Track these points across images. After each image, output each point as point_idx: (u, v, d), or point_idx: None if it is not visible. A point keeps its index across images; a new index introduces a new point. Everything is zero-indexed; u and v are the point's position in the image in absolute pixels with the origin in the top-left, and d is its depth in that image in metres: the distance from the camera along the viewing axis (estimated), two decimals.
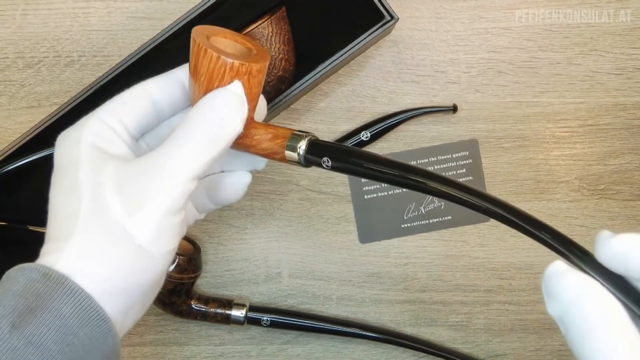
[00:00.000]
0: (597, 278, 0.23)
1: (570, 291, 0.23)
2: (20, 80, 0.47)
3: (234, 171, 0.35)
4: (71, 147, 0.30)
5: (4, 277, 0.28)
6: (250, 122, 0.32)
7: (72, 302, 0.26)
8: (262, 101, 0.34)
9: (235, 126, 0.30)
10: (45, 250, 0.29)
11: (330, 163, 0.31)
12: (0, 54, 0.47)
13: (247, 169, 0.35)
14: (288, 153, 0.31)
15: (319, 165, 0.31)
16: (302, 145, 0.31)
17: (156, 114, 0.32)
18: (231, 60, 0.29)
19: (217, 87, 0.30)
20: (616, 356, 0.21)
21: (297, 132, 0.32)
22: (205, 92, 0.30)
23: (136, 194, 0.28)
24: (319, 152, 0.31)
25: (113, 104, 0.32)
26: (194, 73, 0.30)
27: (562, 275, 0.23)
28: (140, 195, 0.28)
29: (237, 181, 0.35)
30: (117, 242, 0.28)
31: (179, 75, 0.33)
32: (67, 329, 0.26)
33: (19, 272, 0.27)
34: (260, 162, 0.35)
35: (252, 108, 0.32)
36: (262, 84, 0.32)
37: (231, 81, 0.30)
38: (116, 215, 0.28)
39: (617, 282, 0.23)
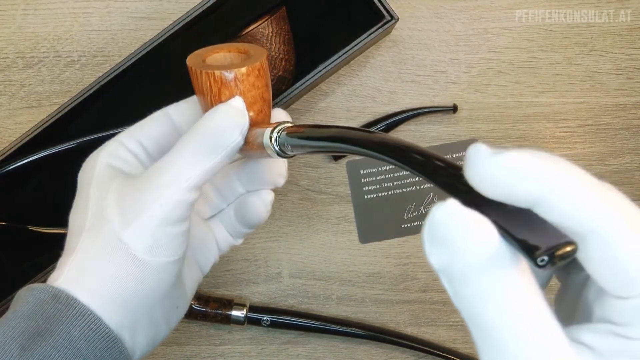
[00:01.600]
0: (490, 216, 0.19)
1: (461, 241, 0.19)
2: (20, 80, 0.47)
3: (257, 191, 0.35)
4: (89, 168, 0.31)
5: (15, 297, 0.29)
6: (255, 123, 0.31)
7: (81, 325, 0.27)
8: (280, 111, 0.34)
9: (234, 136, 0.30)
10: (57, 265, 0.29)
11: (290, 148, 0.29)
12: (0, 54, 0.47)
13: (268, 187, 0.35)
14: (267, 145, 0.30)
15: (286, 154, 0.30)
16: (274, 135, 0.30)
17: (177, 135, 0.32)
18: (227, 73, 0.30)
19: (223, 100, 0.30)
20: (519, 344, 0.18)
21: (276, 126, 0.30)
22: (205, 108, 0.31)
23: (133, 206, 0.28)
24: (282, 138, 0.30)
25: (133, 127, 0.33)
26: (197, 93, 0.32)
27: (452, 218, 0.19)
28: (136, 207, 0.28)
29: (259, 200, 0.35)
30: (113, 253, 0.28)
31: (196, 99, 0.34)
32: (77, 351, 0.26)
33: (28, 293, 0.28)
34: (280, 178, 0.35)
35: (260, 108, 0.32)
36: (269, 79, 0.32)
37: (236, 89, 0.30)
38: (113, 227, 0.28)
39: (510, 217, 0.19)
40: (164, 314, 0.31)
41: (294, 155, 0.31)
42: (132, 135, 0.32)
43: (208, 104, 0.31)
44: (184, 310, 0.33)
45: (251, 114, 0.31)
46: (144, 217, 0.28)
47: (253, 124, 0.31)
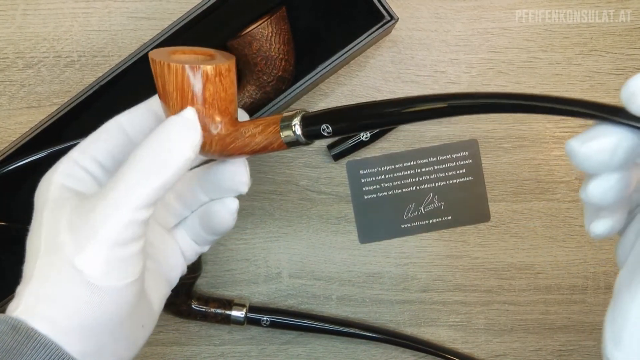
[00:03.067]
0: None
1: None
2: (20, 80, 0.47)
3: (221, 199, 0.34)
4: (44, 190, 0.30)
5: None
6: (235, 123, 0.31)
7: (43, 356, 0.26)
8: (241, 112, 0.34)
9: (183, 151, 0.29)
10: (16, 292, 0.29)
11: (330, 128, 0.29)
12: (0, 54, 0.47)
13: (232, 194, 0.34)
14: (285, 135, 0.30)
15: (319, 135, 0.30)
16: (296, 123, 0.30)
17: (132, 146, 0.31)
18: (198, 66, 0.29)
19: (192, 98, 0.29)
20: None
21: (287, 114, 0.31)
22: (182, 109, 0.30)
23: (84, 229, 0.28)
24: (315, 122, 0.30)
25: (86, 143, 0.32)
26: (164, 95, 0.30)
27: None
28: (87, 230, 0.28)
29: (224, 209, 0.34)
30: (68, 280, 0.27)
31: (151, 104, 0.33)
32: None
33: None
34: (242, 186, 0.34)
35: (234, 110, 0.31)
36: (236, 84, 0.31)
37: (203, 88, 0.29)
38: (67, 253, 0.27)
39: None
40: (129, 334, 0.30)
41: (310, 143, 0.31)
42: (85, 151, 0.31)
43: (178, 103, 0.30)
44: (151, 326, 0.33)
45: (218, 119, 0.30)
46: (95, 241, 0.27)
47: (228, 124, 0.31)
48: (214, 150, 0.31)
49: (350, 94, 0.48)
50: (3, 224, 0.44)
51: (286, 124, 0.30)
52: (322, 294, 0.48)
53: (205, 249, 0.37)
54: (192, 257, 0.36)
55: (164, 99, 0.30)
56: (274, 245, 0.48)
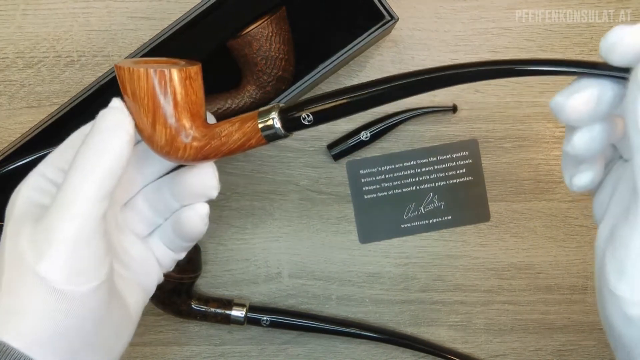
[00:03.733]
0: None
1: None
2: (20, 80, 0.47)
3: (191, 204, 0.34)
4: (11, 204, 0.31)
5: None
6: (208, 125, 0.31)
7: None
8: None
9: (116, 137, 0.29)
10: None
11: (311, 116, 0.30)
12: (0, 54, 0.47)
13: (202, 200, 0.34)
14: (264, 129, 0.31)
15: (300, 125, 0.30)
16: (274, 116, 0.31)
17: None
18: (169, 70, 0.29)
19: (163, 102, 0.30)
20: None
21: (262, 109, 0.31)
22: (154, 114, 0.30)
23: (43, 235, 0.28)
24: (294, 112, 0.30)
25: (53, 155, 0.32)
26: (135, 101, 0.30)
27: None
28: (45, 236, 0.28)
29: (194, 214, 0.34)
30: (33, 289, 0.27)
31: None
32: None
33: None
34: (212, 190, 0.34)
35: (204, 113, 0.31)
36: (204, 89, 0.32)
37: (174, 91, 0.30)
38: (29, 262, 0.27)
39: None
40: (103, 341, 0.30)
41: (290, 135, 0.31)
42: (52, 163, 0.32)
43: (150, 108, 0.30)
44: (127, 334, 0.33)
45: (190, 122, 0.30)
46: (52, 244, 0.27)
47: (200, 126, 0.31)
48: (187, 155, 0.31)
49: None
50: (3, 224, 0.44)
51: (264, 118, 0.31)
52: (322, 294, 0.48)
53: (182, 255, 0.37)
54: (169, 264, 0.36)
55: (136, 106, 0.30)
56: (274, 245, 0.48)
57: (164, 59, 0.33)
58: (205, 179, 0.33)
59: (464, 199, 0.48)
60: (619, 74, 0.25)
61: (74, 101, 0.41)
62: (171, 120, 0.30)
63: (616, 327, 0.26)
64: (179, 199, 0.34)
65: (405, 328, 0.48)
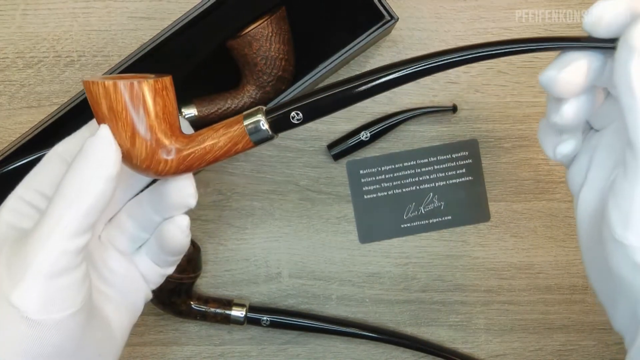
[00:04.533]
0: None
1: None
2: (20, 80, 0.47)
3: (172, 217, 0.34)
4: None
5: None
6: (188, 135, 0.31)
7: None
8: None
9: (102, 172, 0.28)
10: None
11: (300, 114, 0.30)
12: (0, 54, 0.47)
13: (182, 211, 0.33)
14: (251, 131, 0.30)
15: (289, 125, 0.30)
16: (260, 118, 0.30)
17: None
18: (146, 80, 0.29)
19: (143, 114, 0.29)
20: None
21: (246, 112, 0.31)
22: (133, 127, 0.29)
23: (18, 263, 0.27)
24: (281, 112, 0.30)
25: (29, 177, 0.32)
26: (112, 116, 0.29)
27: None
28: (21, 264, 0.27)
29: (175, 227, 0.33)
30: (6, 317, 0.27)
31: (89, 129, 0.33)
32: None
33: None
34: (190, 199, 0.33)
35: (179, 124, 0.31)
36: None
37: (153, 102, 0.29)
38: (3, 289, 0.27)
39: None
40: None
41: (273, 137, 0.31)
42: (29, 186, 0.31)
43: (129, 122, 0.29)
44: (112, 355, 0.32)
45: (170, 132, 0.30)
46: (28, 274, 0.27)
47: (180, 136, 0.30)
48: (169, 167, 0.31)
49: None
50: None
51: (250, 120, 0.30)
52: (322, 293, 0.48)
53: (170, 270, 0.36)
54: (157, 280, 0.36)
55: (113, 121, 0.29)
56: (274, 245, 0.48)
57: (131, 74, 0.33)
58: (182, 187, 0.32)
59: (464, 199, 0.48)
60: (607, 44, 0.27)
61: (74, 101, 0.41)
62: (151, 132, 0.30)
63: (625, 277, 0.28)
64: (160, 212, 0.33)
65: (405, 328, 0.48)
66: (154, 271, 0.35)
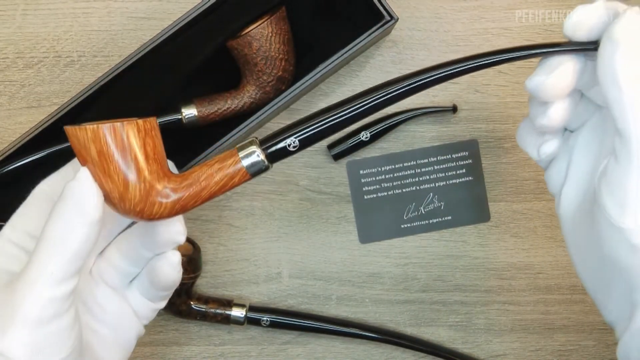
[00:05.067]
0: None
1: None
2: (20, 80, 0.47)
3: (163, 253, 0.33)
4: None
5: None
6: (179, 174, 0.30)
7: None
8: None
9: (85, 218, 0.27)
10: None
11: (297, 142, 0.30)
12: (0, 54, 0.47)
13: (171, 246, 0.33)
14: (248, 165, 0.30)
15: (286, 153, 0.30)
16: (255, 149, 0.30)
17: None
18: (135, 122, 0.28)
19: (135, 157, 0.28)
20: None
21: (240, 145, 0.30)
22: (125, 170, 0.28)
23: (5, 311, 0.27)
24: (276, 142, 0.30)
25: (15, 217, 0.31)
26: (102, 160, 0.28)
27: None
28: (8, 311, 0.27)
29: (166, 264, 0.33)
30: None
31: (67, 170, 0.33)
32: None
33: None
34: (179, 236, 0.32)
35: (167, 165, 0.30)
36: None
37: (144, 143, 0.28)
38: None
39: None
40: None
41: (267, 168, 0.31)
42: (15, 226, 0.31)
43: (120, 166, 0.28)
44: None
45: (162, 173, 0.29)
46: (15, 323, 0.26)
47: (172, 177, 0.30)
48: (164, 209, 0.30)
49: (350, 94, 0.48)
50: (3, 224, 0.44)
51: (246, 152, 0.30)
52: (322, 294, 0.48)
53: (162, 304, 0.36)
54: (149, 315, 0.36)
55: (104, 165, 0.28)
56: (274, 245, 0.48)
57: (111, 120, 0.31)
58: (170, 224, 0.32)
59: (464, 199, 0.48)
60: (589, 46, 0.29)
61: (74, 101, 0.41)
62: (144, 174, 0.29)
63: (622, 261, 0.29)
64: (150, 248, 0.33)
65: (405, 328, 0.48)
66: (146, 306, 0.35)
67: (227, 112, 0.43)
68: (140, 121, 0.28)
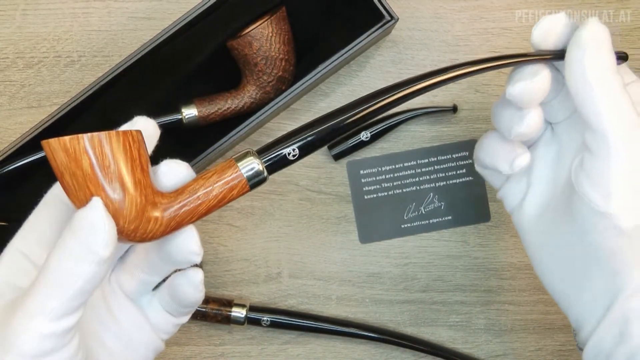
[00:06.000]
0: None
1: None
2: (20, 80, 0.47)
3: (185, 270, 0.31)
4: None
5: None
6: (174, 191, 0.28)
7: None
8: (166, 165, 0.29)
9: (94, 253, 0.25)
10: None
11: (296, 150, 0.29)
12: (0, 54, 0.47)
13: (186, 265, 0.31)
14: (248, 176, 0.28)
15: (285, 162, 0.29)
16: (253, 160, 0.28)
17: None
18: (129, 130, 0.26)
19: (139, 168, 0.26)
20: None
21: (235, 156, 0.29)
22: (122, 182, 0.26)
23: (6, 335, 0.25)
24: (276, 151, 0.29)
25: (26, 225, 0.29)
26: (93, 174, 0.25)
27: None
28: (5, 342, 0.25)
29: (187, 283, 0.31)
30: None
31: None
32: None
33: None
34: (194, 256, 0.29)
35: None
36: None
37: (139, 154, 0.26)
38: None
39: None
40: None
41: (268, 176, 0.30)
42: (26, 237, 0.29)
43: (122, 180, 0.26)
44: None
45: (153, 187, 0.27)
46: (11, 355, 0.25)
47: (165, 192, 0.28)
48: (158, 227, 0.27)
49: (351, 94, 0.48)
50: (3, 224, 0.44)
51: (244, 163, 0.28)
52: (322, 294, 0.48)
53: (184, 319, 0.34)
54: (170, 330, 0.34)
55: (97, 179, 0.25)
56: (274, 245, 0.48)
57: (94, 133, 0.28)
58: (185, 243, 0.29)
59: (464, 199, 0.48)
60: (557, 54, 0.32)
61: (74, 101, 0.41)
62: (140, 187, 0.26)
63: (607, 247, 0.31)
64: (167, 263, 0.31)
65: (405, 328, 0.48)
66: (166, 320, 0.33)
67: (227, 112, 0.43)
68: (133, 131, 0.26)
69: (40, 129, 0.41)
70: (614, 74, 0.30)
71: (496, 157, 0.36)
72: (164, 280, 0.33)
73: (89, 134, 0.25)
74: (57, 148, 0.25)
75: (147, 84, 0.42)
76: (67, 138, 0.25)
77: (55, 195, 0.30)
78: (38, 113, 0.47)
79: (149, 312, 0.33)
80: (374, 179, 0.48)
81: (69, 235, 0.25)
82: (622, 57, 0.35)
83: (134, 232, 0.27)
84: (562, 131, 0.35)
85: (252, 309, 0.47)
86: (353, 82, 0.48)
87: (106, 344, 0.31)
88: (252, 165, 0.29)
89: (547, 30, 0.32)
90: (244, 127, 0.42)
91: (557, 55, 0.32)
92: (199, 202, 0.28)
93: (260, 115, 0.42)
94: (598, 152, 0.30)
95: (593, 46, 0.30)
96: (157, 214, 0.27)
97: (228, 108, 0.43)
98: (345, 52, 0.42)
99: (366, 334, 0.47)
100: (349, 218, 0.48)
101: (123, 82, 0.42)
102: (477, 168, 0.40)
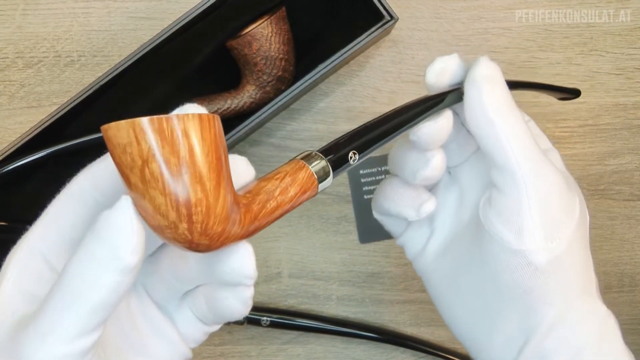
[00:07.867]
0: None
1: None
2: (20, 80, 0.47)
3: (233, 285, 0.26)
4: (1, 274, 0.25)
5: None
6: (248, 190, 0.24)
7: None
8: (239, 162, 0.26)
9: (117, 264, 0.22)
10: None
11: (357, 155, 0.28)
12: (0, 54, 0.47)
13: (232, 286, 0.27)
14: (319, 176, 0.26)
15: (346, 166, 0.28)
16: (320, 160, 0.26)
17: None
18: (197, 110, 0.23)
19: (222, 158, 0.21)
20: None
21: (301, 156, 0.26)
22: (219, 175, 0.21)
23: (17, 353, 0.22)
24: (339, 153, 0.27)
25: (45, 221, 0.25)
26: (199, 163, 0.20)
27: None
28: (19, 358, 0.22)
29: (234, 296, 0.27)
30: None
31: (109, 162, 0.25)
32: None
33: None
34: (246, 279, 0.25)
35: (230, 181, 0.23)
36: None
37: (224, 144, 0.22)
38: None
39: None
40: None
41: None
42: (44, 236, 0.25)
43: (212, 169, 0.21)
44: None
45: (232, 186, 0.23)
46: None
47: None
48: (242, 227, 0.23)
49: (351, 94, 0.48)
50: (3, 223, 0.44)
51: (314, 163, 0.26)
52: (322, 293, 0.48)
53: (216, 328, 0.30)
54: (199, 338, 0.30)
55: (194, 171, 0.20)
56: (274, 245, 0.48)
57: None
58: (239, 265, 0.25)
59: None
60: (454, 89, 0.31)
61: (74, 101, 0.41)
62: (230, 182, 0.22)
63: (521, 284, 0.30)
64: (209, 277, 0.27)
65: (405, 328, 0.48)
66: (197, 328, 0.29)
67: (227, 112, 0.43)
68: (217, 117, 0.22)
69: (40, 129, 0.41)
70: (514, 109, 0.30)
71: (401, 204, 0.34)
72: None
73: (182, 115, 0.20)
74: (152, 129, 0.20)
75: (147, 84, 0.42)
76: (162, 117, 0.20)
77: (81, 187, 0.25)
78: (38, 113, 0.47)
79: (178, 320, 0.29)
80: (374, 179, 0.48)
81: (91, 238, 0.22)
82: (574, 93, 0.34)
83: (219, 235, 0.22)
84: (461, 174, 0.35)
85: (252, 308, 0.46)
86: (353, 81, 0.48)
87: (122, 351, 0.27)
88: (325, 166, 0.26)
89: (441, 71, 0.31)
90: (244, 127, 0.42)
91: (456, 97, 0.31)
92: (275, 204, 0.24)
93: (260, 115, 0.42)
94: (506, 189, 0.30)
95: (488, 83, 0.30)
96: (240, 216, 0.23)
97: (228, 108, 0.43)
98: (345, 52, 0.42)
99: (366, 334, 0.47)
100: (348, 218, 0.48)
101: (123, 82, 0.42)
102: (376, 216, 0.38)
